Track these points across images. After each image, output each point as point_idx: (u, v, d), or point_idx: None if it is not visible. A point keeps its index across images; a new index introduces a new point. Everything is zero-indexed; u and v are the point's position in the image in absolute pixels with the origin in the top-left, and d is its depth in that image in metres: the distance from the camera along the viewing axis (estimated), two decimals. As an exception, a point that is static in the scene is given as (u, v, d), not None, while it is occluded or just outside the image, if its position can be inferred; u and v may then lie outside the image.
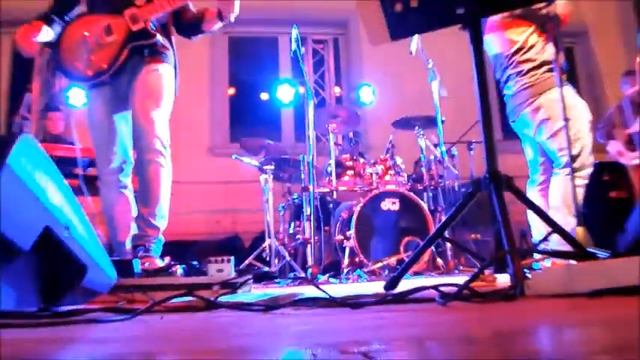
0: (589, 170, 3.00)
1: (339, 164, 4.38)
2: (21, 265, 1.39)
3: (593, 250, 1.86)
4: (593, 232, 2.54)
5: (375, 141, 5.92)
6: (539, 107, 3.04)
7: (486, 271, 2.48)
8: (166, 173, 2.69)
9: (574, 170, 2.84)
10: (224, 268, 2.28)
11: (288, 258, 4.20)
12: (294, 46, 4.08)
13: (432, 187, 4.44)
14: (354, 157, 4.43)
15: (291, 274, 4.04)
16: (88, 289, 1.60)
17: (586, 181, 2.97)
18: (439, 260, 4.00)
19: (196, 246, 5.23)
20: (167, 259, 2.70)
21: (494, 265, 2.60)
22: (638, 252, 1.47)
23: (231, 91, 6.95)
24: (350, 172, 4.36)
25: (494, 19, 3.14)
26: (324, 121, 4.59)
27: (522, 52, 3.10)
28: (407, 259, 2.56)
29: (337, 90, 7.17)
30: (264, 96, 7.11)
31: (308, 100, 4.17)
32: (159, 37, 2.71)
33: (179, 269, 2.46)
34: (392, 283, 1.93)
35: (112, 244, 2.75)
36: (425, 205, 4.11)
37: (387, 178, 4.31)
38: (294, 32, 4.09)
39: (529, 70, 3.08)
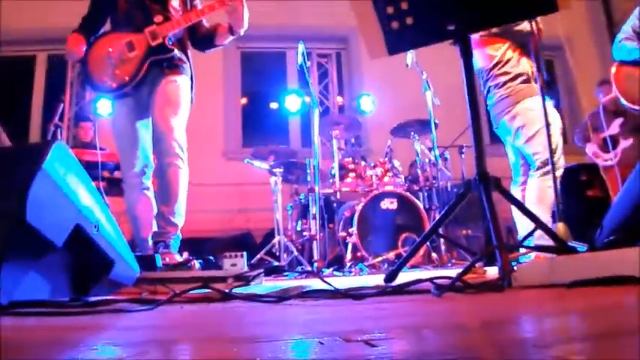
0: (561, 170, 3.01)
1: (342, 167, 4.38)
2: (55, 259, 1.40)
3: (573, 245, 1.85)
4: (571, 228, 2.53)
5: (375, 146, 5.91)
6: (516, 115, 3.06)
7: (477, 265, 2.47)
8: (184, 175, 2.70)
9: (551, 168, 2.84)
10: (237, 263, 2.28)
11: (295, 253, 4.20)
12: (300, 59, 4.09)
13: (426, 188, 4.45)
14: (356, 161, 4.43)
15: (299, 268, 4.03)
16: (115, 281, 1.61)
17: (558, 180, 2.97)
18: (434, 254, 3.99)
19: (212, 242, 5.22)
20: (185, 255, 2.70)
21: (484, 258, 2.59)
22: (613, 246, 1.47)
23: (244, 100, 6.96)
24: (352, 175, 4.36)
25: (474, 37, 3.14)
26: (328, 128, 4.60)
27: (499, 66, 3.13)
28: (404, 254, 2.57)
29: (340, 99, 7.17)
30: (273, 105, 7.11)
31: (313, 108, 4.17)
32: (176, 52, 2.72)
33: (196, 263, 2.46)
34: (391, 276, 1.93)
35: (136, 240, 2.76)
36: (420, 204, 4.11)
37: (386, 179, 4.31)
38: (301, 47, 4.09)
39: (505, 83, 3.11)
